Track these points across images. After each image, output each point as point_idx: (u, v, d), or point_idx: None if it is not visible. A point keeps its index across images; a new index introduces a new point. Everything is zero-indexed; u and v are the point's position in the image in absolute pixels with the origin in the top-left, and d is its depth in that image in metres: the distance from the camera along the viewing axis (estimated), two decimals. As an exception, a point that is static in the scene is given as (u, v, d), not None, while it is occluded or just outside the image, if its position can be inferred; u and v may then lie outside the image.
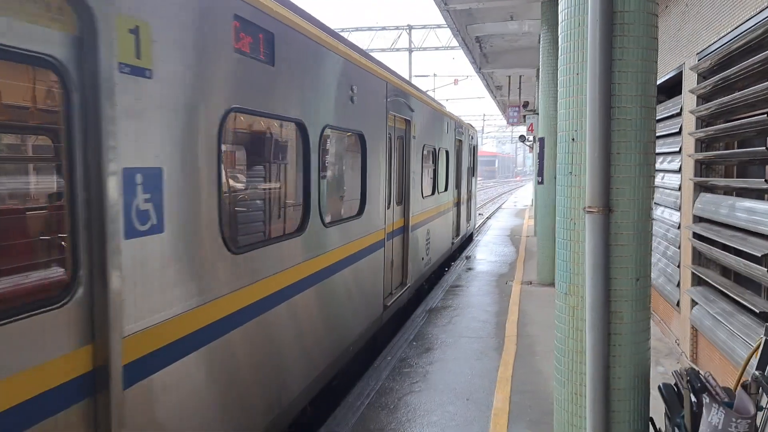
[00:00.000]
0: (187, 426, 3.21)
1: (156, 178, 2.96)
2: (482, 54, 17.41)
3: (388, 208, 7.48)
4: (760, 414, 3.02)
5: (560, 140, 3.28)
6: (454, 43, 18.48)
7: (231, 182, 3.95)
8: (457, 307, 9.08)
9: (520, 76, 20.03)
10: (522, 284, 10.66)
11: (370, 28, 30.05)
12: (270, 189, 4.74)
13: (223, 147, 3.58)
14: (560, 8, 3.27)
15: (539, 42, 12.67)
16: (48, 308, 2.40)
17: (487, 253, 14.67)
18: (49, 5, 2.41)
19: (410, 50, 30.91)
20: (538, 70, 17.39)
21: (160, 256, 3.00)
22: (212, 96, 3.45)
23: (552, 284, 10.34)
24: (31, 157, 2.85)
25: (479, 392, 5.69)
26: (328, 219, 5.36)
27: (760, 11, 4.21)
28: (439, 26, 28.15)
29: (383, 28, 30.53)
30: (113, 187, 2.65)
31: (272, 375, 4.26)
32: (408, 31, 30.45)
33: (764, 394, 2.71)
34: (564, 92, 3.23)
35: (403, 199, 8.46)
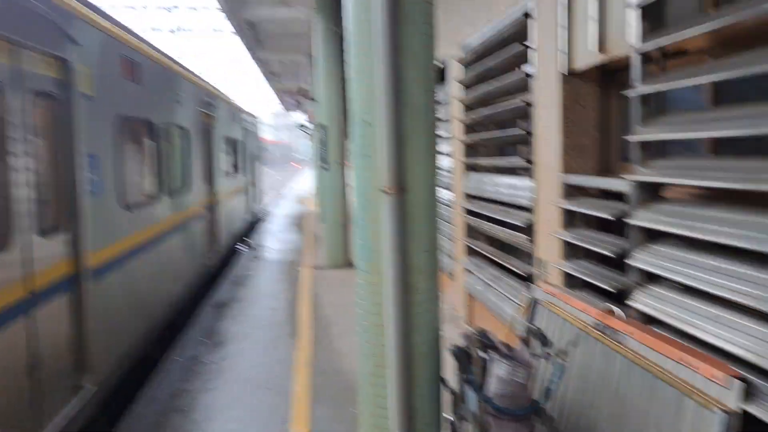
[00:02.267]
0: (127, 301, 5.54)
1: (98, 159, 4.81)
2: (256, 39, 17.13)
3: (204, 185, 9.58)
4: (535, 362, 3.49)
5: (354, 124, 3.36)
6: (227, 25, 17.90)
7: (126, 164, 5.65)
8: (246, 298, 8.89)
9: (295, 62, 20.16)
10: (312, 269, 10.83)
11: (131, 8, 27.61)
12: (139, 166, 6.24)
13: (117, 138, 5.34)
14: (346, -6, 3.33)
15: (312, 28, 12.89)
16: (59, 232, 4.21)
17: (273, 241, 14.60)
18: (49, 63, 4.07)
19: (176, 31, 29.14)
20: (312, 56, 17.73)
21: (101, 208, 4.87)
22: (114, 107, 5.27)
23: (341, 267, 10.73)
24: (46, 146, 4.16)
25: (279, 380, 5.67)
26: (170, 191, 7.24)
27: (511, 7, 4.79)
28: (206, 8, 26.98)
29: (144, 8, 28.30)
30: (82, 164, 4.47)
31: (164, 283, 6.92)
32: (172, 10, 28.62)
33: (538, 342, 3.12)
34: (356, 79, 3.31)
35: (211, 180, 10.29)
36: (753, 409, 2.27)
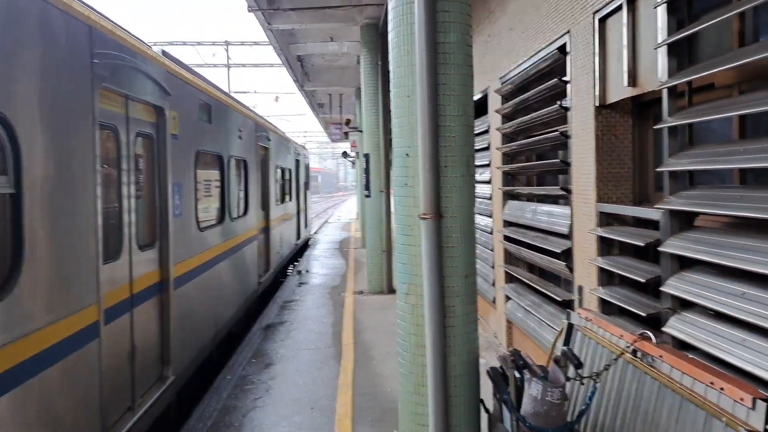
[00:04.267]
0: (198, 308, 6.32)
1: (181, 187, 5.73)
2: (304, 72, 17.76)
3: (259, 211, 10.32)
4: (568, 384, 3.59)
5: (395, 155, 3.60)
6: (274, 59, 18.55)
7: (200, 191, 6.57)
8: (293, 321, 9.16)
9: (341, 95, 20.72)
10: (354, 294, 11.05)
11: (184, 43, 28.85)
12: (209, 194, 7.14)
13: (194, 169, 6.22)
14: (390, 37, 3.59)
15: (358, 62, 13.31)
16: (152, 247, 5.08)
17: (318, 267, 14.93)
18: (147, 110, 5.03)
19: (228, 66, 30.30)
20: (358, 89, 18.21)
21: (181, 228, 5.68)
22: (193, 144, 6.18)
23: (382, 292, 10.92)
24: (139, 176, 4.96)
25: (323, 400, 5.86)
26: (233, 215, 8.09)
27: (548, 44, 4.99)
28: (256, 43, 27.89)
29: (199, 44, 29.53)
30: (170, 191, 5.35)
31: (226, 296, 7.74)
32: (225, 47, 29.82)
33: (571, 365, 3.24)
34: (397, 113, 3.56)
35: (266, 206, 11.06)
36: (777, 430, 2.35)
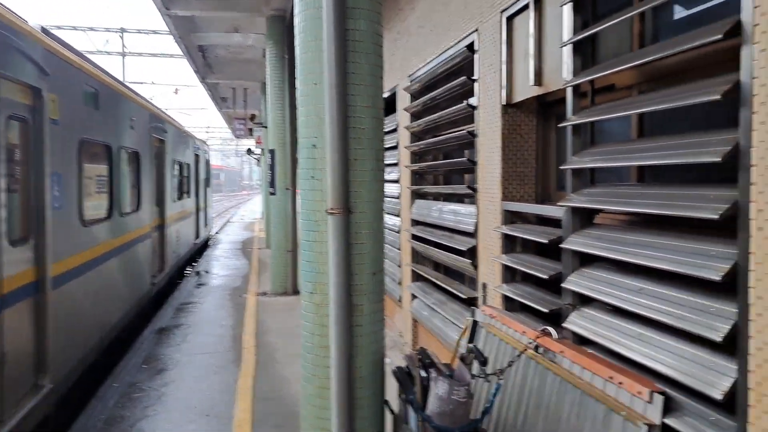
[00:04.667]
0: (82, 310, 5.92)
1: (61, 177, 5.28)
2: (206, 64, 17.04)
3: (154, 207, 9.81)
4: (473, 381, 3.57)
5: (301, 147, 3.43)
6: (175, 50, 17.67)
7: (85, 183, 6.08)
8: (190, 324, 8.70)
9: (245, 89, 20.09)
10: (257, 296, 10.69)
11: (75, 28, 26.89)
12: (96, 187, 6.67)
13: (78, 159, 5.77)
14: (296, 21, 3.42)
15: (264, 56, 12.91)
16: (25, 243, 4.61)
17: (219, 267, 14.36)
18: (22, 91, 4.56)
19: (123, 54, 28.59)
20: (263, 84, 17.72)
21: (61, 223, 5.24)
22: (77, 131, 5.74)
23: (286, 293, 10.64)
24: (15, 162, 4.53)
25: (220, 406, 5.56)
26: (123, 210, 7.66)
27: (457, 42, 5.00)
28: (155, 32, 26.49)
29: (91, 29, 27.63)
30: (48, 182, 4.86)
31: (114, 297, 7.28)
32: (120, 34, 28.10)
33: (476, 362, 3.21)
34: (303, 101, 3.39)
35: (161, 202, 10.52)
36: (672, 422, 2.41)
